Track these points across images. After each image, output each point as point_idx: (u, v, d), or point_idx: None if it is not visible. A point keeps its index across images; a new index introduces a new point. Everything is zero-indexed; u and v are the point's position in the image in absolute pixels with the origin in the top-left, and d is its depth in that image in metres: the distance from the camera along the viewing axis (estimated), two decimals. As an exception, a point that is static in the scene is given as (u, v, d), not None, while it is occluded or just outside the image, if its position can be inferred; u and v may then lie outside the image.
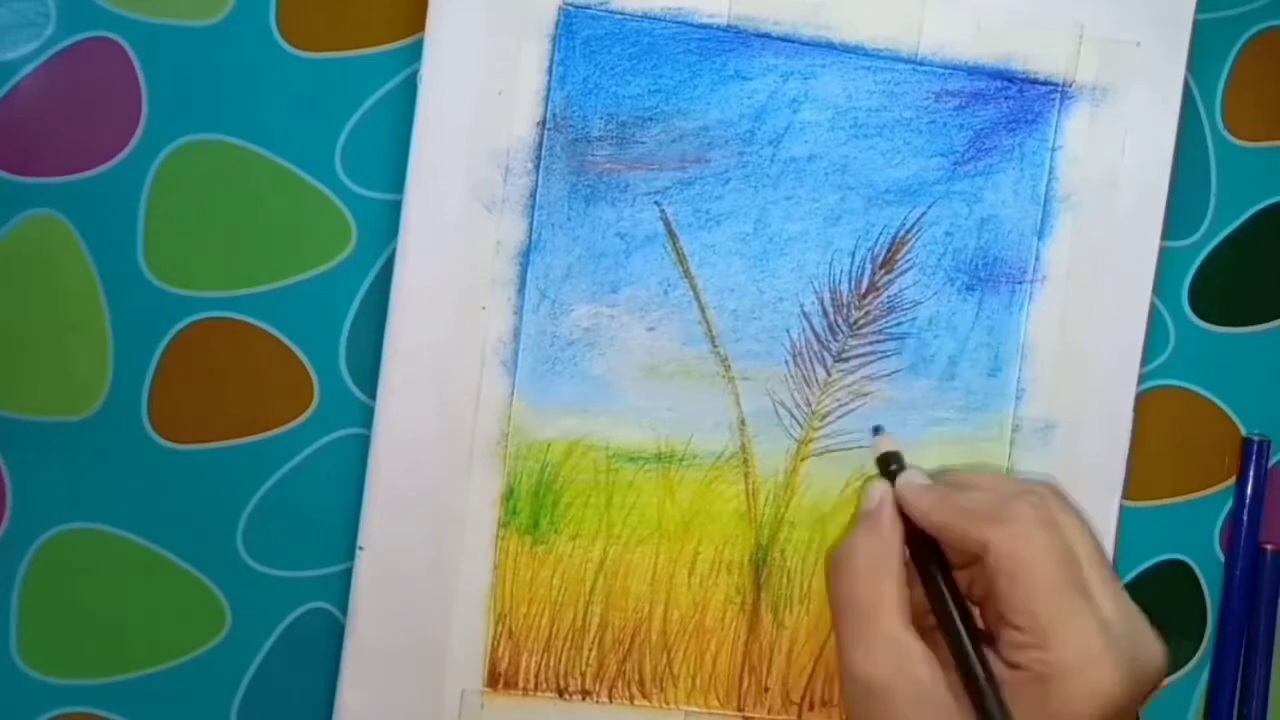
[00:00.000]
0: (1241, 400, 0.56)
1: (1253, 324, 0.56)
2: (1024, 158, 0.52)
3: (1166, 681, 0.57)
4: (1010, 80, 0.52)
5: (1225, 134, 0.55)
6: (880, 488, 0.48)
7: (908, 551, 0.46)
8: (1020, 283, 0.52)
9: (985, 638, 0.44)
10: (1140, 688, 0.41)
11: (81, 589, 0.50)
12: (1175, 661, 0.57)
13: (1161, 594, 0.57)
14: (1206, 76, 0.54)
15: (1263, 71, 0.55)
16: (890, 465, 0.49)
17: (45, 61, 0.48)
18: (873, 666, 0.43)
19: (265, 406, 0.50)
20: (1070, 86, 0.52)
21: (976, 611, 0.46)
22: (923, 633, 0.44)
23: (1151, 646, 0.42)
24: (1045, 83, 0.52)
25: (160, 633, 0.50)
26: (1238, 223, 0.56)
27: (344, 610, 0.51)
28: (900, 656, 0.43)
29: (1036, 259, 0.52)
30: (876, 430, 0.52)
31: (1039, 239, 0.52)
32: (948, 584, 0.45)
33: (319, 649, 0.51)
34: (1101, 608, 0.42)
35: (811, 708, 0.53)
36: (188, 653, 0.51)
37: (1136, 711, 0.42)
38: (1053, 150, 0.52)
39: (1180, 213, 0.55)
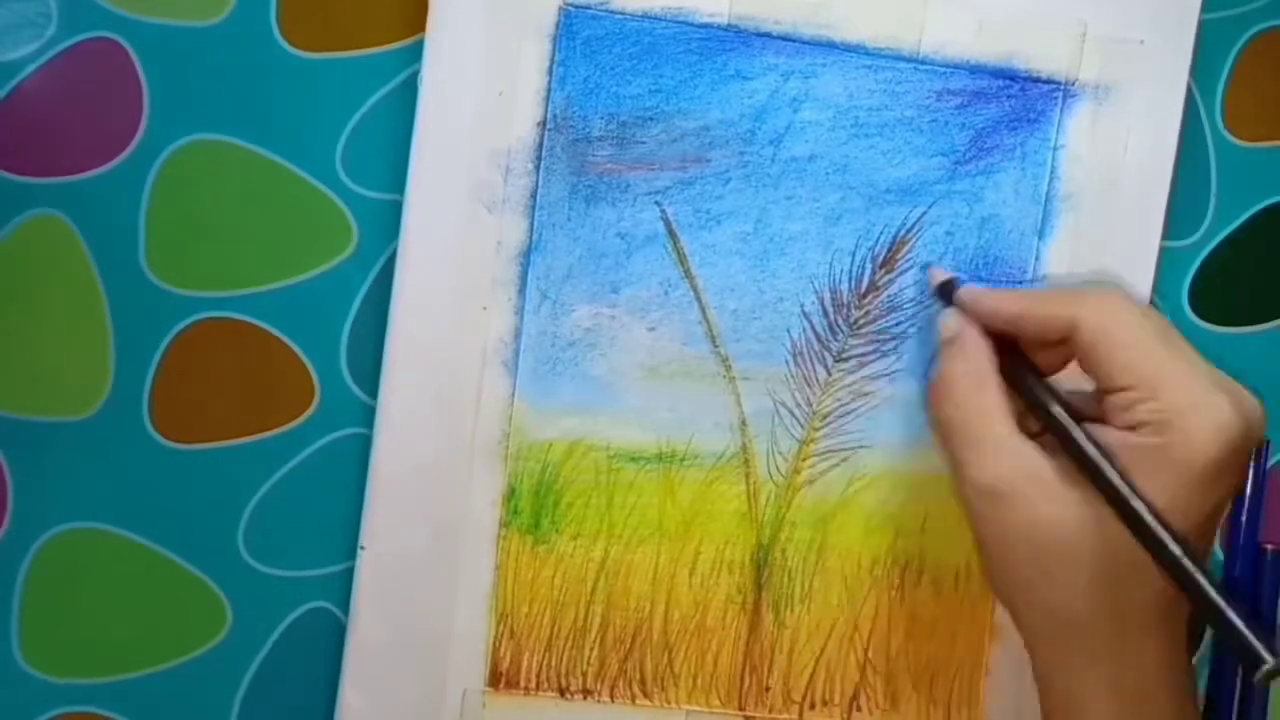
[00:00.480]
0: (1242, 400, 0.56)
1: (1252, 324, 0.56)
2: (1025, 157, 0.52)
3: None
4: (1012, 79, 0.52)
5: (1225, 134, 0.55)
6: (952, 314, 0.48)
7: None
8: (1021, 282, 0.52)
9: (1094, 419, 0.44)
10: (1251, 430, 0.41)
11: (82, 589, 0.50)
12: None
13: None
14: (1207, 76, 0.54)
15: (1263, 71, 0.55)
16: (950, 291, 0.49)
17: (46, 62, 0.48)
18: (991, 473, 0.43)
19: (266, 406, 0.50)
20: (1072, 85, 0.52)
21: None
22: (1039, 444, 0.44)
23: (1244, 391, 0.42)
24: (1047, 81, 0.52)
25: (161, 632, 0.51)
26: (1238, 223, 0.56)
27: (345, 610, 0.51)
28: (1015, 457, 0.43)
29: (1037, 259, 0.52)
30: (927, 267, 0.52)
31: (1040, 239, 0.52)
32: (1037, 376, 0.45)
33: (320, 648, 0.51)
34: (1197, 361, 0.42)
35: (813, 707, 0.53)
36: (189, 652, 0.51)
37: (1245, 465, 0.42)
38: (1054, 149, 0.52)
39: (1180, 213, 0.55)
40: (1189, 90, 0.54)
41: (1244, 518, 0.56)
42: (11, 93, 0.48)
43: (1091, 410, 0.44)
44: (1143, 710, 0.43)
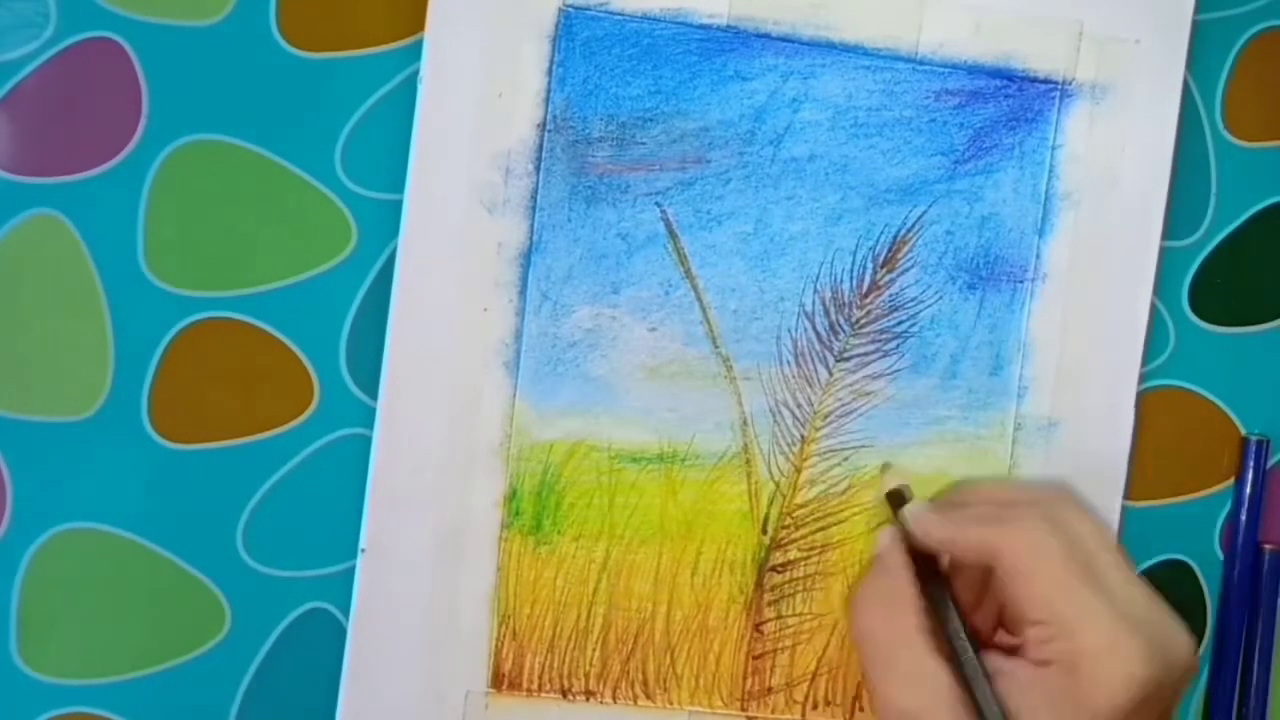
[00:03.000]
0: (1241, 400, 0.56)
1: (1253, 324, 0.56)
2: (1024, 156, 0.52)
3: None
4: (1010, 79, 0.52)
5: (1225, 134, 0.55)
6: (889, 531, 0.49)
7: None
8: (1021, 281, 0.52)
9: (1006, 649, 0.44)
10: (1169, 673, 0.41)
11: (81, 589, 0.50)
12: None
13: (1161, 594, 0.56)
14: (1206, 76, 0.55)
15: (1263, 71, 0.55)
16: (898, 500, 0.50)
17: (45, 61, 0.48)
18: (905, 699, 0.43)
19: (265, 407, 0.50)
20: (1070, 85, 0.52)
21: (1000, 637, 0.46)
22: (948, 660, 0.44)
23: (1177, 635, 0.43)
24: (1045, 81, 0.52)
25: (160, 633, 0.50)
26: (1238, 223, 0.56)
27: (344, 610, 0.50)
28: (925, 684, 0.43)
29: (1037, 257, 0.53)
30: (885, 468, 0.52)
31: (1040, 237, 0.52)
32: (952, 601, 0.46)
33: (319, 649, 0.51)
34: (1121, 597, 0.42)
35: (815, 707, 0.53)
36: (187, 653, 0.50)
37: (1170, 704, 0.42)
38: (1053, 148, 0.52)
39: (1180, 213, 0.55)
40: (1188, 90, 0.54)
41: (1244, 518, 0.56)
42: (10, 92, 0.48)
43: (1017, 629, 0.44)
44: None
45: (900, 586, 0.46)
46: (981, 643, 0.45)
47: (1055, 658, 0.41)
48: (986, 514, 0.45)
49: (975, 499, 0.48)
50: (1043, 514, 0.44)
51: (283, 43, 0.49)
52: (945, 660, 0.44)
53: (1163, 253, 0.54)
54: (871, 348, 0.52)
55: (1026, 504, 0.45)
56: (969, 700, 0.43)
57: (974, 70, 0.52)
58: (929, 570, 0.47)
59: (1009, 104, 0.52)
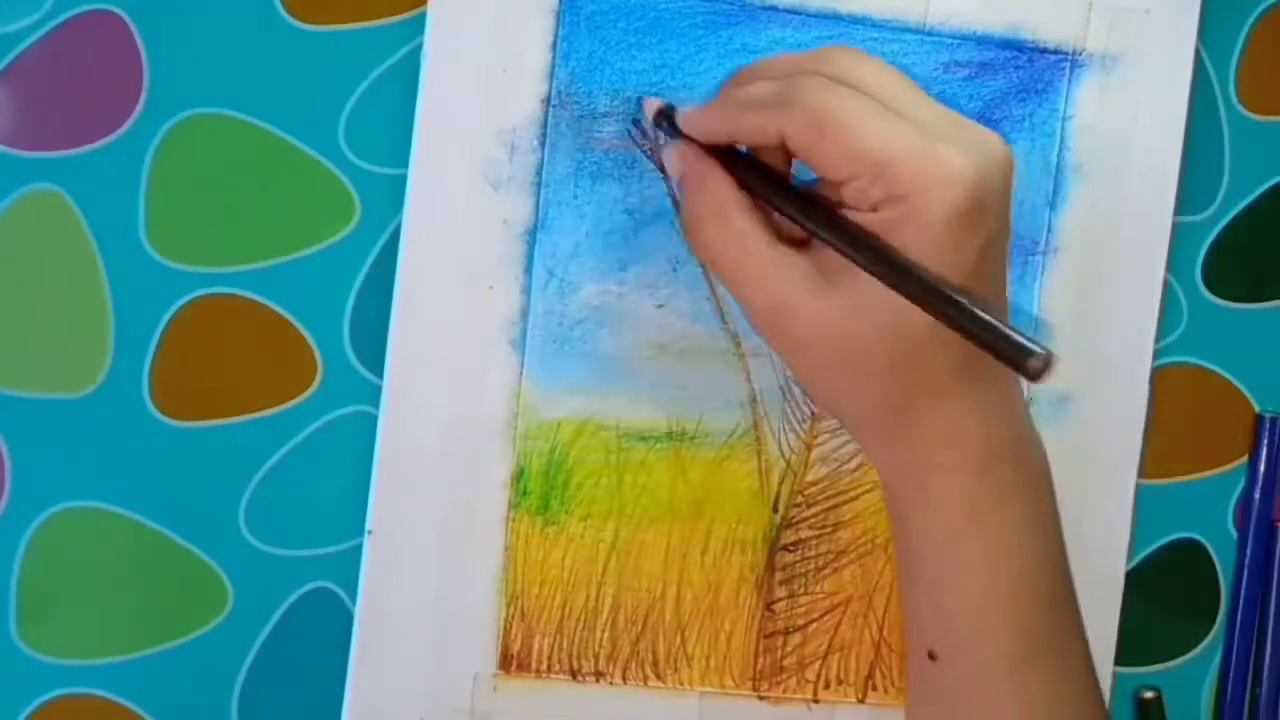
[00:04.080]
0: (1255, 377, 0.56)
1: (1268, 300, 0.56)
2: (1035, 128, 0.52)
3: (1173, 662, 0.57)
4: (1019, 50, 0.51)
5: (1239, 108, 0.55)
6: (673, 148, 0.46)
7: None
8: (1033, 254, 0.52)
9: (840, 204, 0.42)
10: (989, 166, 0.40)
11: (81, 568, 0.49)
12: (1189, 640, 0.57)
13: (1174, 572, 0.56)
14: (1220, 50, 0.54)
15: (1276, 45, 0.55)
16: (669, 117, 0.47)
17: (45, 34, 0.48)
18: (762, 294, 0.42)
19: (268, 384, 0.50)
20: (1080, 55, 0.52)
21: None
22: (799, 247, 0.43)
23: (985, 134, 0.41)
24: (1055, 52, 0.52)
25: (161, 612, 0.50)
26: (1252, 198, 0.55)
27: (348, 590, 0.50)
28: (779, 271, 0.42)
29: (1049, 230, 0.52)
30: (638, 103, 0.50)
31: (1051, 209, 0.52)
32: (774, 181, 0.44)
33: (322, 628, 0.50)
34: (916, 117, 0.40)
35: (827, 686, 0.52)
36: (189, 632, 0.50)
37: (1005, 203, 0.41)
38: (1063, 120, 0.52)
39: (1194, 188, 0.54)
40: (1201, 63, 0.54)
41: (1257, 496, 0.56)
42: (10, 66, 0.48)
43: (835, 201, 0.42)
44: (976, 474, 0.42)
45: (717, 193, 0.44)
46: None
47: (879, 198, 0.39)
48: (763, 94, 0.43)
49: (753, 76, 0.45)
50: (821, 77, 0.42)
51: (286, 15, 0.49)
52: (790, 243, 0.43)
53: (1176, 228, 0.54)
54: (882, 322, 0.52)
55: (804, 74, 0.42)
56: (832, 259, 0.41)
57: (983, 41, 0.51)
58: (737, 160, 0.44)
59: (1019, 75, 0.51)
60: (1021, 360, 0.36)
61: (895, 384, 0.42)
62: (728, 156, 0.44)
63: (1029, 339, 0.36)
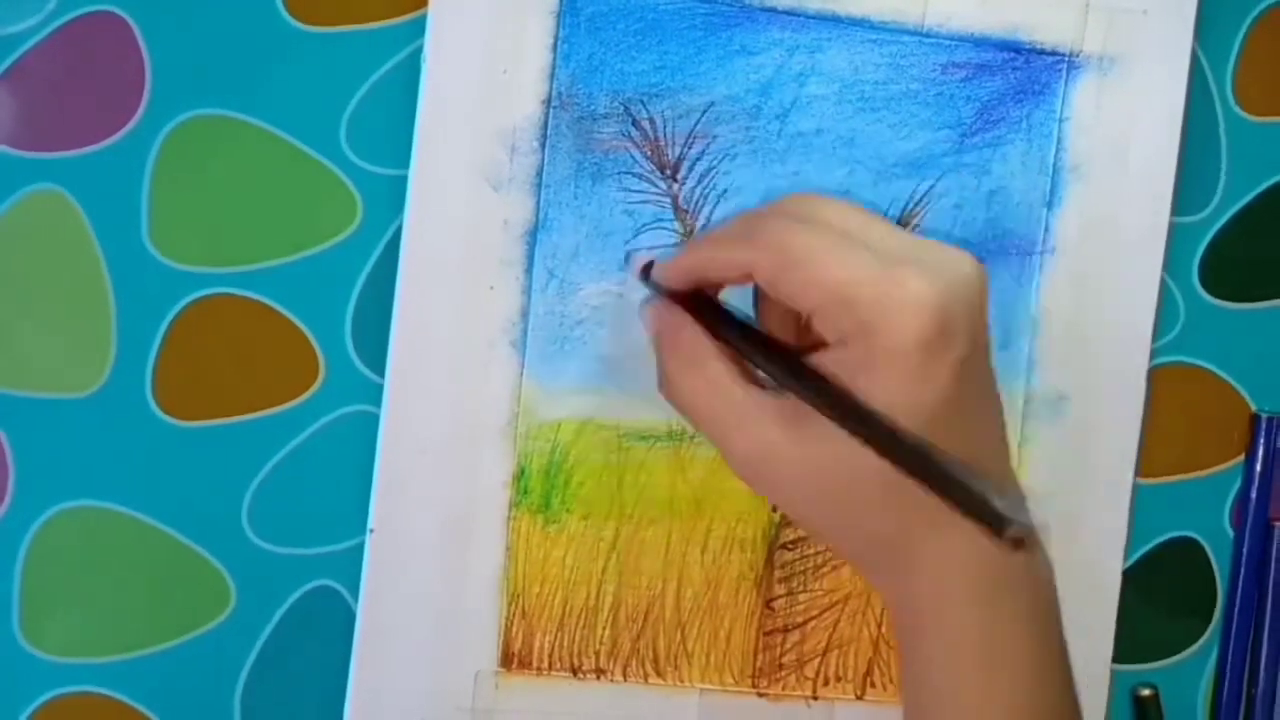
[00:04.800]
0: (1252, 377, 0.56)
1: (1264, 300, 0.56)
2: (1032, 129, 0.52)
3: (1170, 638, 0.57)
4: (1017, 51, 0.52)
5: (1236, 109, 0.55)
6: (647, 306, 0.46)
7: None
8: (1030, 254, 0.52)
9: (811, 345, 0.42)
10: (956, 287, 0.39)
11: (84, 567, 0.49)
12: (1186, 638, 0.57)
13: (1171, 571, 0.56)
14: (1217, 51, 0.54)
15: (1274, 46, 0.55)
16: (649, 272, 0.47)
17: (49, 35, 0.48)
18: (741, 445, 0.42)
19: (270, 383, 0.50)
20: (1077, 56, 0.52)
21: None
22: (775, 392, 0.42)
23: (951, 254, 0.40)
24: (1052, 53, 0.52)
25: (164, 611, 0.50)
26: (1248, 198, 0.56)
27: (350, 588, 0.50)
28: (757, 420, 0.41)
29: (1046, 230, 0.52)
30: (627, 258, 0.50)
31: (1048, 210, 0.52)
32: (739, 328, 0.43)
33: (325, 627, 0.51)
34: (882, 247, 0.40)
35: (827, 683, 0.52)
36: (192, 631, 0.50)
37: (978, 323, 0.40)
38: (1060, 121, 0.52)
39: (1191, 188, 0.55)
40: (1198, 64, 0.54)
41: (1254, 495, 0.56)
42: (12, 66, 0.48)
43: (811, 336, 0.41)
44: (976, 605, 0.41)
45: (690, 344, 0.43)
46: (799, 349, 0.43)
47: (846, 331, 0.39)
48: (729, 233, 0.43)
49: (723, 224, 0.45)
50: (785, 215, 0.41)
51: (287, 17, 0.49)
52: (767, 390, 0.42)
53: (1173, 228, 0.54)
54: (880, 322, 0.52)
55: (767, 214, 0.42)
56: (802, 399, 0.40)
57: (981, 43, 0.51)
58: (708, 311, 0.44)
59: (1016, 76, 0.52)
60: (996, 530, 0.35)
61: (888, 516, 0.41)
62: (701, 307, 0.44)
63: (1006, 509, 0.35)
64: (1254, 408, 0.56)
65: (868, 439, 0.38)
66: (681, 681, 0.52)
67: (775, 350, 0.42)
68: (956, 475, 0.36)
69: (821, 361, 0.40)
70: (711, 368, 0.42)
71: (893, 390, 0.38)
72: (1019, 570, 0.42)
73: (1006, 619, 0.42)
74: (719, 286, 0.44)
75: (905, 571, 0.42)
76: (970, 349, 0.39)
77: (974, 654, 0.42)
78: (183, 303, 0.49)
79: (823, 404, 0.39)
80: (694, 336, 0.43)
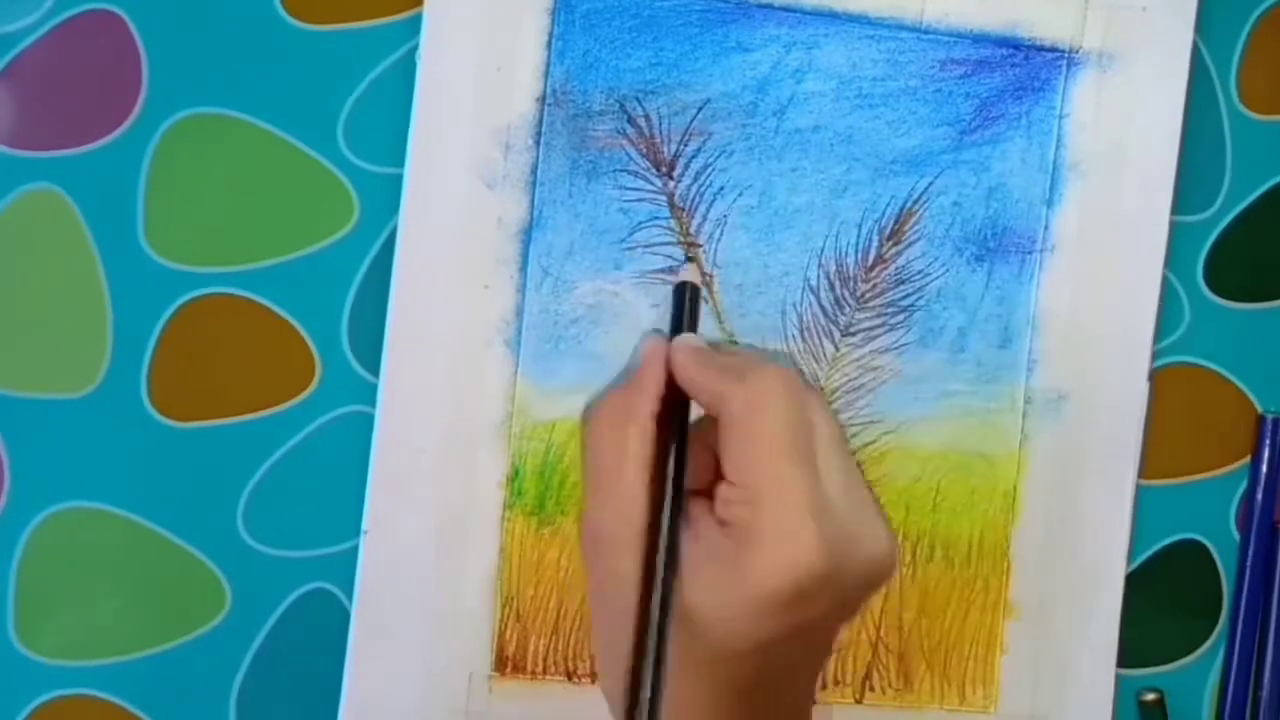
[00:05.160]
0: (1257, 377, 0.56)
1: (1270, 300, 0.56)
2: (1031, 125, 0.52)
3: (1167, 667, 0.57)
4: (1016, 47, 0.51)
5: (1240, 108, 0.55)
6: (653, 344, 0.43)
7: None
8: (1030, 252, 0.52)
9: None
10: (846, 570, 0.38)
11: (79, 568, 0.49)
12: (1191, 641, 0.57)
13: (1176, 573, 0.56)
14: (1220, 50, 0.54)
15: (1277, 45, 0.54)
16: (685, 302, 0.45)
17: (45, 34, 0.48)
18: (605, 518, 0.40)
19: (266, 384, 0.50)
20: (1076, 53, 0.52)
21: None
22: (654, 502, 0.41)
23: (875, 533, 0.39)
24: (1051, 49, 0.51)
25: (159, 613, 0.50)
26: (1253, 197, 0.55)
27: (345, 590, 0.50)
28: (632, 512, 0.40)
29: (1046, 228, 0.52)
30: (689, 258, 0.50)
31: (1048, 207, 0.52)
32: (678, 455, 0.41)
33: (320, 629, 0.50)
34: (825, 484, 0.39)
35: (824, 687, 0.52)
36: (187, 633, 0.50)
37: (852, 601, 0.39)
38: (1060, 117, 0.52)
39: (1195, 187, 0.54)
40: (1202, 62, 0.54)
41: (1259, 497, 0.56)
42: (9, 65, 0.48)
43: (718, 479, 0.41)
44: None
45: (641, 407, 0.41)
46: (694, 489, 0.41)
47: (734, 521, 0.38)
48: (735, 365, 0.41)
49: (736, 349, 0.45)
50: (785, 379, 0.40)
51: (284, 15, 0.49)
52: (652, 493, 0.40)
53: (1178, 228, 0.54)
54: (878, 322, 0.52)
55: (775, 363, 0.41)
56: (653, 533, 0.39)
57: (979, 39, 0.51)
58: (677, 401, 0.42)
59: (1015, 73, 0.51)
60: None
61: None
62: (677, 397, 0.43)
63: None
64: (1260, 409, 0.56)
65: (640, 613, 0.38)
66: (678, 683, 0.52)
67: (678, 482, 0.41)
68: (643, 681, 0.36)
69: (700, 518, 0.39)
70: (636, 441, 0.41)
71: (729, 603, 0.37)
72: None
73: None
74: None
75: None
76: (831, 614, 0.38)
77: None
78: (178, 302, 0.49)
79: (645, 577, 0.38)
80: (648, 407, 0.42)
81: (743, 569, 0.37)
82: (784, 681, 0.40)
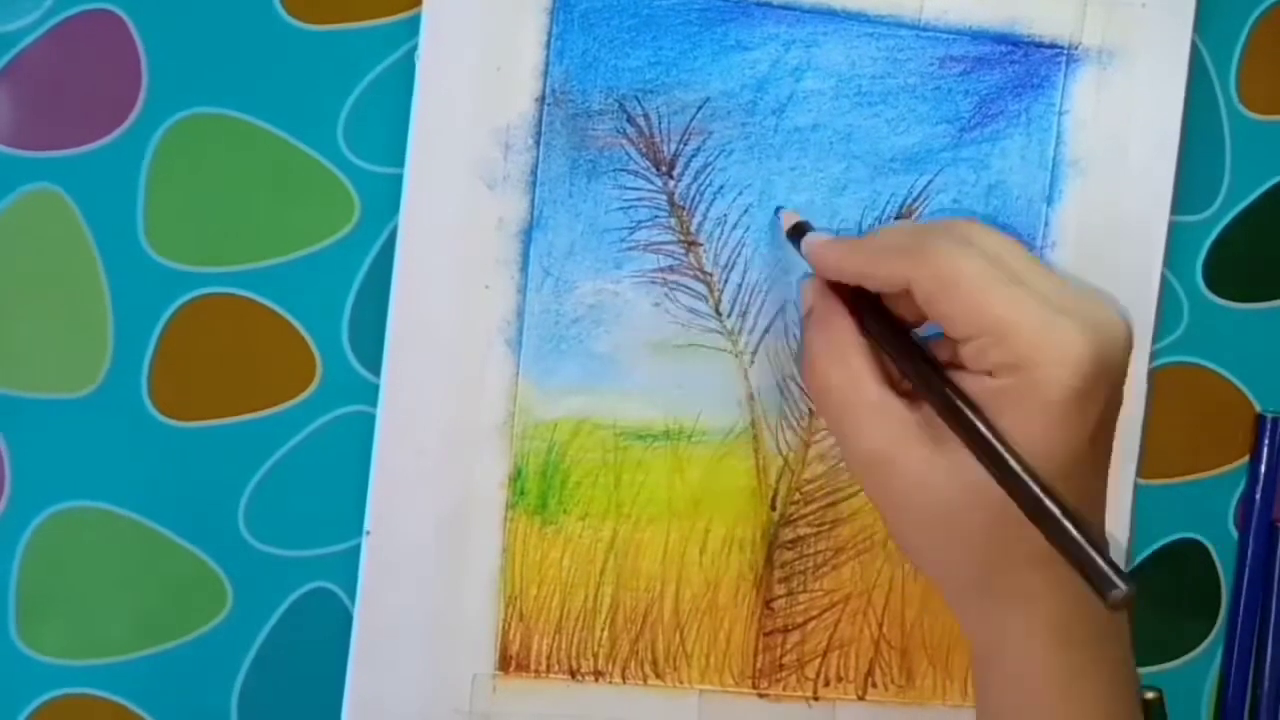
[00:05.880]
0: (1257, 377, 0.56)
1: (1269, 300, 0.56)
2: (1031, 122, 0.52)
3: (1176, 661, 0.57)
4: (1015, 44, 0.51)
5: (1240, 107, 0.55)
6: (809, 283, 0.47)
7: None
8: (1030, 250, 0.52)
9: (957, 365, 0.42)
10: (1109, 348, 0.40)
11: (80, 568, 0.49)
12: (1190, 640, 0.57)
13: (1175, 573, 0.56)
14: (1220, 51, 0.54)
15: (1277, 45, 0.55)
16: (799, 232, 0.48)
17: (44, 34, 0.48)
18: (867, 442, 0.42)
19: (267, 384, 0.50)
20: (1076, 49, 0.52)
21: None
22: (910, 399, 0.43)
23: (1107, 311, 0.41)
24: (1050, 46, 0.52)
25: (161, 613, 0.50)
26: (1253, 197, 0.55)
27: (347, 590, 0.50)
28: (887, 423, 0.42)
29: (1046, 225, 0.52)
30: (778, 211, 0.51)
31: (1048, 205, 0.52)
32: (895, 331, 0.44)
33: (322, 629, 0.50)
34: (1041, 289, 0.40)
35: (827, 684, 0.52)
36: (189, 633, 0.50)
37: (1118, 383, 0.41)
38: (1060, 114, 0.52)
39: (1195, 187, 0.54)
40: (1202, 62, 0.54)
41: (1258, 496, 0.56)
42: (9, 65, 0.48)
43: (954, 356, 0.42)
44: (1062, 648, 0.42)
45: (838, 333, 0.45)
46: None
47: (995, 365, 0.40)
48: (895, 243, 0.43)
49: (884, 232, 0.46)
50: (949, 236, 0.42)
51: (284, 14, 0.49)
52: (903, 394, 0.43)
53: (1177, 227, 0.54)
54: (879, 319, 0.52)
55: (936, 232, 0.43)
56: (944, 417, 0.41)
57: (978, 36, 0.51)
58: (864, 303, 0.45)
59: (1014, 70, 0.52)
60: (1103, 589, 0.36)
61: (987, 552, 0.41)
62: (855, 297, 0.45)
63: (1116, 572, 0.36)
64: (1259, 408, 0.56)
65: (998, 471, 0.39)
66: (681, 683, 0.51)
67: (923, 361, 0.42)
68: (1077, 527, 0.37)
69: (967, 386, 0.40)
70: (854, 362, 0.43)
71: (1033, 433, 0.39)
72: (1108, 624, 0.43)
73: (1089, 667, 0.42)
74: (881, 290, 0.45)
75: (989, 607, 0.43)
76: (1110, 408, 0.40)
77: (1051, 696, 0.42)
78: (179, 302, 0.49)
79: (960, 427, 0.40)
80: (842, 325, 0.44)
81: (1033, 394, 0.39)
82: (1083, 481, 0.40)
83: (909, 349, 0.43)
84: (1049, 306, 0.39)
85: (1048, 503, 0.38)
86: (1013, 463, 0.39)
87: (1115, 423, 0.42)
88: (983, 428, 0.39)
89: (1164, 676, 0.56)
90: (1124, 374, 0.41)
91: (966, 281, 0.40)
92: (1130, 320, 0.41)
